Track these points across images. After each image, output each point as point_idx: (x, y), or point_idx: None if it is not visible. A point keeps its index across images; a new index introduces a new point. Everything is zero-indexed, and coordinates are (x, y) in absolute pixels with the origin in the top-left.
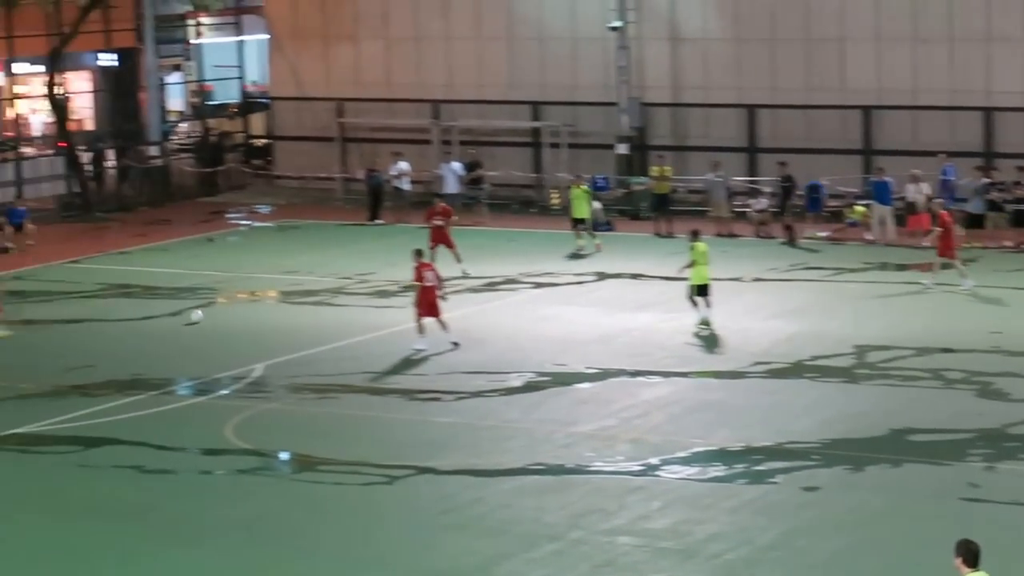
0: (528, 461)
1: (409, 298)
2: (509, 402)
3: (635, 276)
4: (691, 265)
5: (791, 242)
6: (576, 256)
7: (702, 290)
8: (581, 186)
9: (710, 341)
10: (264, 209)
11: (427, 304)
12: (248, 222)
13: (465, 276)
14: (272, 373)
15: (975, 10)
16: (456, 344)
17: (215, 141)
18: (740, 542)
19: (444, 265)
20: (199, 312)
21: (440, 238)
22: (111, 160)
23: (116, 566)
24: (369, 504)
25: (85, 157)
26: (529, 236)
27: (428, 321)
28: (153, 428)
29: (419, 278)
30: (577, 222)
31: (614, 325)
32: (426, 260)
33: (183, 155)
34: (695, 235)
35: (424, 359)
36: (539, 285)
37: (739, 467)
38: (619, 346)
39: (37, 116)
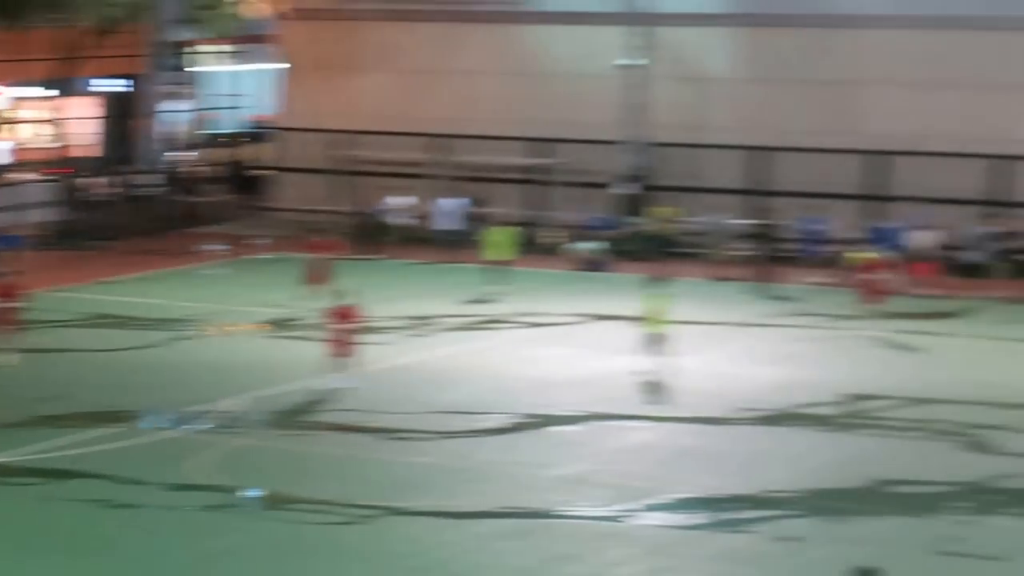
0: (495, 505)
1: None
2: (482, 443)
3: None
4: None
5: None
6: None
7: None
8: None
9: (701, 385)
10: (260, 241)
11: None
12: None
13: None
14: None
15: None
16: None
17: (223, 171)
18: None
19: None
20: None
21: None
22: (107, 187)
23: None
24: (331, 544)
25: (79, 183)
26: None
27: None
28: (120, 462)
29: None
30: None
31: (594, 368)
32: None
33: (184, 184)
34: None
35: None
36: (535, 325)
37: (714, 515)
38: (597, 390)
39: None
